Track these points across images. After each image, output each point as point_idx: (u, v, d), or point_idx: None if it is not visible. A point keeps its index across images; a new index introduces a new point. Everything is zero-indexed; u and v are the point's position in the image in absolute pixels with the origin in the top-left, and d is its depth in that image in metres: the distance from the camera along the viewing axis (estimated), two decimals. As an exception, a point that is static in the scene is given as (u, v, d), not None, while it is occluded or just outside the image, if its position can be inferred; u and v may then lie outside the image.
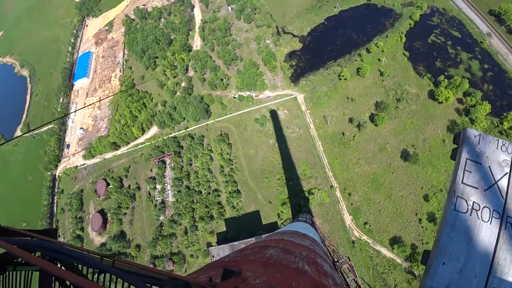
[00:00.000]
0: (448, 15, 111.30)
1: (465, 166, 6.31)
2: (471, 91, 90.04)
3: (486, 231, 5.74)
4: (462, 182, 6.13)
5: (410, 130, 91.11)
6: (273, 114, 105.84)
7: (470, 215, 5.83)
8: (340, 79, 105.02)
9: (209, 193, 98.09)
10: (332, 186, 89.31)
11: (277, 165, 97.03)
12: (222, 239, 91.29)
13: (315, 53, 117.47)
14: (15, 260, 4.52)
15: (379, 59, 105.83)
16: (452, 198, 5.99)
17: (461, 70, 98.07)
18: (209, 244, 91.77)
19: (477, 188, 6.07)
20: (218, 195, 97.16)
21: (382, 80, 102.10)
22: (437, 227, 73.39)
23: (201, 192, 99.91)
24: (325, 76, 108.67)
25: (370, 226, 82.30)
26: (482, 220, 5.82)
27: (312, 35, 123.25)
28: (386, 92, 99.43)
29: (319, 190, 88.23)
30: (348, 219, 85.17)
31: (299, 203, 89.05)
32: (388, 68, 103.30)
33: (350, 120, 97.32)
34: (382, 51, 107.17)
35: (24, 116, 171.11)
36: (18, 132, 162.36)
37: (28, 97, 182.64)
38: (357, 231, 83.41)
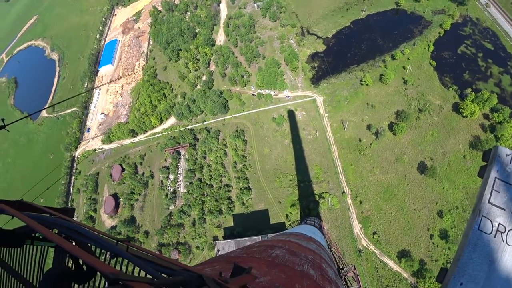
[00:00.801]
0: (482, 26, 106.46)
1: (493, 185, 6.09)
2: (499, 107, 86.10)
3: (510, 255, 5.56)
4: (488, 202, 5.96)
5: (430, 142, 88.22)
6: (291, 114, 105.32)
7: (494, 237, 5.67)
8: (361, 84, 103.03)
9: (220, 188, 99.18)
10: (344, 192, 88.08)
11: (290, 166, 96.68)
12: (229, 234, 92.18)
13: (338, 56, 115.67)
14: (33, 235, 4.64)
15: (403, 67, 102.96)
16: (477, 218, 5.84)
17: (490, 85, 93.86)
18: (215, 238, 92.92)
19: (505, 210, 5.89)
20: (229, 190, 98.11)
21: (405, 89, 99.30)
22: (448, 245, 71.30)
23: (212, 186, 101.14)
24: (347, 80, 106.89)
25: (379, 236, 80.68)
26: (507, 244, 5.64)
27: (337, 38, 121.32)
28: (408, 101, 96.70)
29: (330, 195, 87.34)
30: (357, 227, 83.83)
31: (308, 206, 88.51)
32: (412, 76, 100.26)
33: (368, 127, 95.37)
34: (408, 58, 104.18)
35: (51, 97, 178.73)
36: (44, 112, 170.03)
37: (55, 79, 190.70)
38: (365, 240, 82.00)
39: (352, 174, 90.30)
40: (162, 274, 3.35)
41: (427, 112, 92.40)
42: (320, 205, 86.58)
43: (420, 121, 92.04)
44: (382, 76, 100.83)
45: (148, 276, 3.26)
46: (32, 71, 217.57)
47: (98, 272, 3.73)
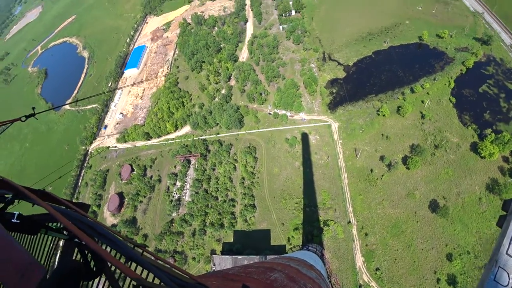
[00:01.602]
0: (505, 67, 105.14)
1: (512, 236, 6.05)
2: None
3: (526, 311, 5.44)
4: (506, 253, 5.88)
5: (444, 180, 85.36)
6: (304, 137, 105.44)
7: (511, 290, 5.57)
8: (378, 114, 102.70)
9: (225, 201, 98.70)
10: (350, 222, 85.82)
11: (298, 188, 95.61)
12: (227, 249, 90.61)
13: (358, 84, 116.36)
14: (47, 225, 4.61)
15: (422, 101, 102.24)
16: (493, 268, 5.77)
17: (511, 127, 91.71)
18: (213, 251, 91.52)
19: (523, 263, 5.80)
20: (233, 205, 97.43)
21: (422, 123, 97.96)
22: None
23: (217, 198, 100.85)
24: (364, 109, 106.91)
25: (381, 273, 77.31)
26: (523, 298, 5.53)
27: (357, 66, 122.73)
28: (424, 136, 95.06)
29: (335, 223, 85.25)
30: (359, 260, 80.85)
31: (312, 232, 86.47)
32: (430, 111, 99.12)
33: (381, 158, 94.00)
34: (427, 93, 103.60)
35: (75, 92, 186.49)
36: (67, 105, 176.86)
37: (82, 76, 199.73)
38: (366, 275, 78.71)
39: (360, 205, 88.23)
40: (176, 285, 3.42)
41: (443, 149, 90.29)
42: (324, 232, 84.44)
43: (435, 157, 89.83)
44: (400, 108, 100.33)
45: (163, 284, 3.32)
46: (62, 65, 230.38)
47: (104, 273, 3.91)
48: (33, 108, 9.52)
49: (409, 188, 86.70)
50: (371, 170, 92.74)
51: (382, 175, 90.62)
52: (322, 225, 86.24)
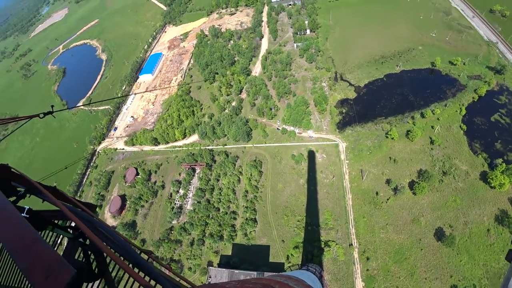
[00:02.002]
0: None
1: (521, 271, 5.87)
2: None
3: None
4: (515, 288, 5.72)
5: (451, 208, 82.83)
6: (311, 155, 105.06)
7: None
8: (387, 137, 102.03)
9: (226, 213, 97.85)
10: (352, 244, 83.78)
11: (301, 206, 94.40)
12: (225, 262, 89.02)
13: (368, 105, 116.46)
14: (53, 221, 4.63)
15: (432, 126, 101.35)
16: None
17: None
18: (210, 263, 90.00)
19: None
20: (235, 218, 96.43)
21: (431, 149, 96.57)
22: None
23: (219, 210, 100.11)
24: (372, 131, 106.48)
25: (382, 301, 74.60)
26: None
27: (368, 88, 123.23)
28: (432, 162, 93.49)
29: (337, 244, 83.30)
30: (359, 285, 78.25)
31: (312, 251, 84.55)
32: (440, 137, 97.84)
33: (388, 181, 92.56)
34: (438, 119, 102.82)
35: (90, 92, 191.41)
36: (80, 104, 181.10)
37: (98, 77, 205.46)
38: (366, 302, 76.05)
39: (363, 227, 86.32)
40: None
41: (452, 176, 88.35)
42: (324, 253, 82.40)
43: (443, 184, 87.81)
44: (409, 132, 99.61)
45: None
46: (80, 65, 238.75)
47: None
48: (52, 106, 9.74)
49: (414, 214, 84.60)
50: (377, 193, 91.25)
51: (388, 199, 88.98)
52: (323, 246, 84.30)
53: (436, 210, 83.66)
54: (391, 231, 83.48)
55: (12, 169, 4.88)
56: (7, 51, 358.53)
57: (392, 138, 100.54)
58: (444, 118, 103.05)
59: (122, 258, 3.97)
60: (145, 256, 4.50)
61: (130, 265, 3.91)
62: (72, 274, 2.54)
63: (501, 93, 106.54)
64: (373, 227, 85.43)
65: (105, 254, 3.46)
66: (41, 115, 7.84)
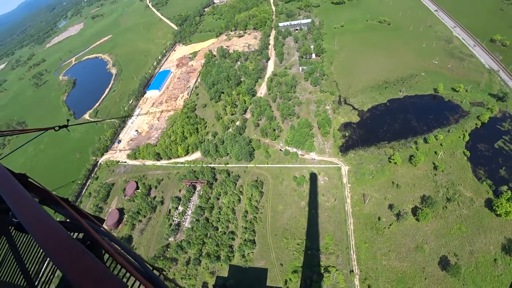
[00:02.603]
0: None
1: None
2: (538, 212, 78.21)
3: None
4: None
5: (456, 236, 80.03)
6: (313, 177, 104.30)
7: None
8: (389, 161, 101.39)
9: (225, 233, 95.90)
10: (353, 271, 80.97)
11: (301, 229, 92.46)
12: (220, 284, 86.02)
13: (371, 130, 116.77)
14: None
15: (435, 152, 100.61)
16: None
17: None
18: (205, 284, 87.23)
19: None
20: (233, 238, 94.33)
21: (435, 174, 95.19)
22: None
23: (217, 229, 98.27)
24: (375, 155, 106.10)
25: (383, 335, 70.93)
26: None
27: (372, 112, 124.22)
28: (436, 188, 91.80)
29: (337, 270, 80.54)
30: (360, 316, 74.97)
31: (311, 277, 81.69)
32: (444, 163, 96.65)
33: (390, 206, 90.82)
34: (441, 144, 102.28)
35: (97, 104, 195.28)
36: (87, 115, 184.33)
37: (107, 90, 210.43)
38: (366, 334, 72.41)
39: (364, 253, 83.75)
40: None
41: (456, 203, 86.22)
42: (324, 279, 79.52)
43: (447, 211, 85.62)
44: (412, 157, 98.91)
45: None
46: (91, 77, 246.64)
47: None
48: (68, 120, 9.92)
49: (418, 241, 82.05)
50: (379, 218, 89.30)
51: (390, 225, 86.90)
52: (322, 271, 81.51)
53: (441, 238, 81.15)
54: (394, 258, 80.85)
55: (29, 179, 4.96)
56: (22, 59, 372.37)
57: (395, 163, 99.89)
58: (447, 144, 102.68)
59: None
60: (156, 273, 4.55)
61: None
62: (121, 286, 2.56)
63: (504, 120, 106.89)
64: (375, 253, 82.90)
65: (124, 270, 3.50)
66: (56, 128, 7.92)
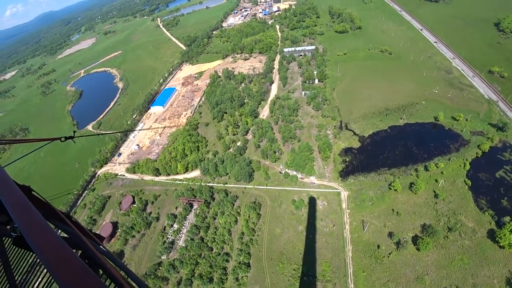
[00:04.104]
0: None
1: None
2: (543, 244, 75.77)
3: None
4: None
5: (458, 268, 77.38)
6: (312, 201, 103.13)
7: None
8: (390, 188, 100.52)
9: (219, 254, 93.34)
10: (350, 302, 77.96)
11: (298, 254, 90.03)
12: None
13: (371, 156, 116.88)
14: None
15: (436, 180, 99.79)
16: None
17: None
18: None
19: None
20: (227, 260, 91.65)
21: (435, 203, 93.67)
22: None
23: (212, 249, 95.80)
24: (375, 182, 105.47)
25: None
26: None
27: (373, 138, 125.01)
28: (437, 217, 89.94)
29: (333, 300, 77.63)
30: None
31: (306, 306, 78.62)
32: (444, 192, 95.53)
33: (390, 234, 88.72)
34: (442, 172, 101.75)
35: (101, 116, 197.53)
36: (90, 126, 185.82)
37: (112, 103, 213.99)
38: None
39: (363, 283, 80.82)
40: None
41: (458, 233, 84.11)
42: (319, 309, 76.58)
43: (448, 241, 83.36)
44: (413, 185, 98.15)
45: None
46: (97, 90, 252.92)
47: None
48: (74, 132, 10.21)
49: (418, 272, 79.24)
50: (378, 246, 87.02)
51: (390, 253, 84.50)
52: (318, 300, 78.64)
53: (442, 269, 78.46)
54: (393, 288, 77.99)
55: (33, 192, 4.95)
56: (32, 68, 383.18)
57: (395, 190, 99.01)
58: (448, 172, 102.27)
59: None
60: None
61: None
62: None
63: (505, 149, 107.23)
64: (373, 283, 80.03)
65: None
66: (62, 139, 8.05)
